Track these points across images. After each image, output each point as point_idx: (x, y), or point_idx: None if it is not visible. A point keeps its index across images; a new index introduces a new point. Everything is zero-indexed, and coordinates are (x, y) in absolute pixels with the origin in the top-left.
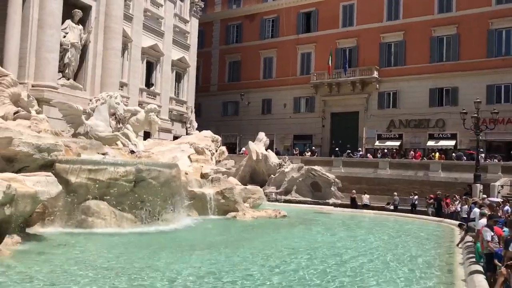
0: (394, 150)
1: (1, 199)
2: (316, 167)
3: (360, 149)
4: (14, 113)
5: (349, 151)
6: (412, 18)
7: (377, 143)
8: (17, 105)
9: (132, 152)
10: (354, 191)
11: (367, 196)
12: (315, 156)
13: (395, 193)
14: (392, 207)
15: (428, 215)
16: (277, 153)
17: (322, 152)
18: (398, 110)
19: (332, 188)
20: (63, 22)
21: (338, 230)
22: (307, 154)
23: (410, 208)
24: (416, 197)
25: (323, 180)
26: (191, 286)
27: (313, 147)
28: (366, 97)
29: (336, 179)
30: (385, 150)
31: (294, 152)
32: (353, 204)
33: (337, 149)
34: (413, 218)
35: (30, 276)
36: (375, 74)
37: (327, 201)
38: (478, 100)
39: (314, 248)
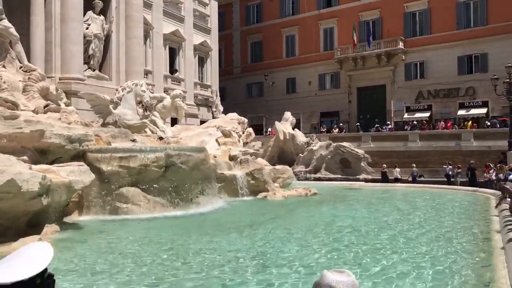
0: (424, 122)
1: (38, 190)
2: (344, 144)
3: (388, 122)
4: (44, 107)
5: (377, 125)
6: None
7: (406, 115)
8: (46, 99)
9: (160, 138)
10: (384, 165)
11: (398, 169)
12: (343, 133)
13: (413, 165)
14: (410, 179)
15: (457, 184)
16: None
17: (350, 128)
18: (426, 81)
19: (362, 164)
20: (84, 14)
21: (373, 205)
22: (334, 131)
23: (445, 179)
24: (449, 167)
25: (353, 156)
26: (246, 263)
27: (341, 124)
28: (392, 69)
29: (365, 154)
30: (415, 122)
31: (322, 129)
32: (384, 179)
33: (357, 124)
34: (446, 189)
35: (72, 264)
36: (401, 45)
37: (357, 177)
38: (510, 64)
39: (359, 222)
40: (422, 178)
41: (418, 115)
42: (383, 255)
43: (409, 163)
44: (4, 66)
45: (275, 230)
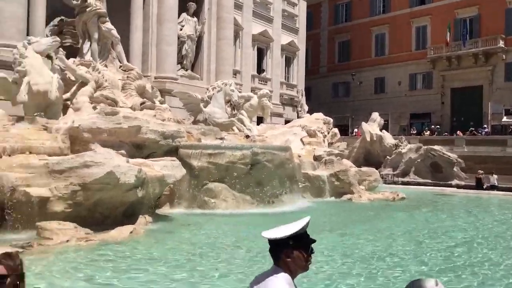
0: None
1: (134, 182)
2: (436, 147)
3: (485, 126)
4: (141, 104)
5: (472, 128)
6: None
7: (504, 118)
8: (143, 97)
9: (247, 136)
10: (480, 171)
11: (495, 176)
12: (434, 135)
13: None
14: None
15: None
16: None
17: (442, 130)
18: None
19: (455, 169)
20: (179, 16)
21: (465, 213)
22: (425, 133)
23: None
24: None
25: (444, 160)
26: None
27: (432, 126)
28: (490, 70)
29: (458, 159)
30: None
31: (411, 131)
32: (479, 186)
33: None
34: None
35: (163, 252)
36: (501, 43)
37: (449, 182)
38: None
39: (453, 232)
40: None
41: None
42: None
43: (507, 170)
44: (106, 66)
45: (360, 235)
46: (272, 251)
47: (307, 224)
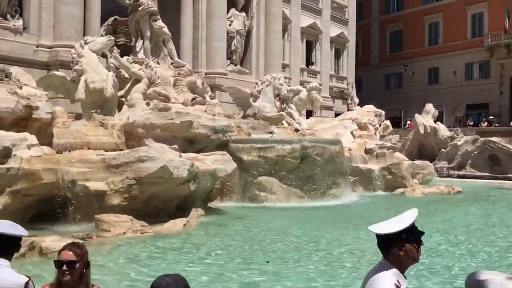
0: None
1: (187, 176)
2: (494, 139)
3: None
4: (192, 100)
5: None
6: None
7: None
8: (194, 92)
9: (296, 130)
10: None
11: None
12: (492, 126)
13: None
14: None
15: None
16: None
17: (501, 121)
18: None
19: None
20: (228, 11)
21: None
22: (483, 124)
23: None
24: None
25: (504, 153)
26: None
27: (490, 117)
28: None
29: None
30: None
31: (468, 123)
32: None
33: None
34: None
35: (216, 244)
36: None
37: (509, 175)
38: None
39: None
40: None
41: None
42: None
43: None
44: (158, 63)
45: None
46: (382, 245)
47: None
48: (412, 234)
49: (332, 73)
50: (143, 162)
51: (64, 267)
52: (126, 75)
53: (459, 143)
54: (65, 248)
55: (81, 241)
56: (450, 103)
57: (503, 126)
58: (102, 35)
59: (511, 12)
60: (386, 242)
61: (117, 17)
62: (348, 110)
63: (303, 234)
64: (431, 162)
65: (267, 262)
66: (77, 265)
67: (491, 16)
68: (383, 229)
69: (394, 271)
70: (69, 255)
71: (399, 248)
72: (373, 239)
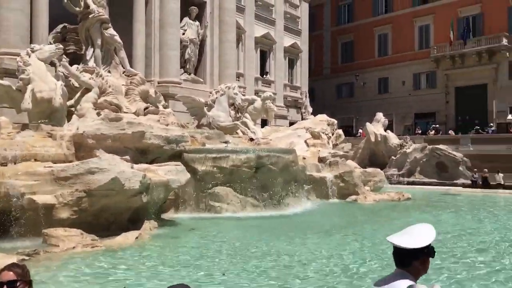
0: None
1: (139, 188)
2: (441, 146)
3: (491, 124)
4: (144, 109)
5: (478, 127)
6: None
7: (509, 116)
8: (146, 102)
9: (251, 139)
10: (485, 170)
11: (501, 175)
12: (439, 135)
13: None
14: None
15: None
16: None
17: (447, 130)
18: None
19: (460, 168)
20: (181, 20)
21: (475, 213)
22: (430, 133)
23: None
24: None
25: (450, 160)
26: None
27: (437, 125)
28: (494, 68)
29: (464, 158)
30: None
31: (416, 131)
32: (485, 184)
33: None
34: None
35: (169, 257)
36: (504, 41)
37: (455, 181)
38: None
39: (462, 232)
40: None
41: None
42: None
43: None
44: (109, 71)
45: (367, 237)
46: (403, 258)
47: None
48: (431, 249)
49: (286, 83)
50: (93, 174)
51: None
52: (76, 84)
53: (408, 150)
54: (4, 269)
55: (27, 258)
56: (399, 112)
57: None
58: (50, 43)
59: (455, 25)
60: (409, 255)
61: (66, 24)
62: (302, 119)
63: (259, 244)
64: (382, 169)
65: (223, 274)
66: (19, 284)
67: (437, 29)
68: (408, 243)
69: (411, 280)
70: (9, 275)
71: (421, 262)
72: (326, 246)
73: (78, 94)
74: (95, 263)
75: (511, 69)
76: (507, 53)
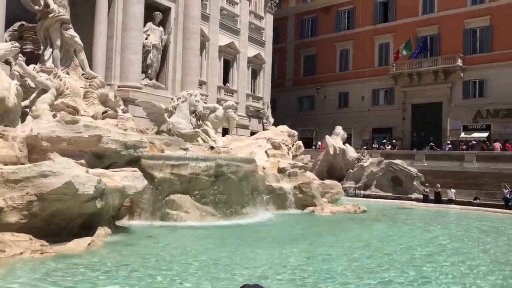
0: (482, 142)
1: (93, 193)
2: (397, 161)
3: (449, 142)
4: (103, 113)
5: (432, 143)
6: (500, 0)
7: (462, 134)
8: (105, 105)
9: (211, 148)
10: (438, 185)
11: (453, 190)
12: (395, 150)
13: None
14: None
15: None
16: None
17: (403, 145)
18: (485, 100)
19: (415, 183)
20: (144, 25)
21: (425, 226)
22: (387, 147)
23: (503, 203)
24: (508, 190)
25: (405, 174)
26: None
27: (393, 140)
28: (449, 87)
29: (418, 173)
30: (473, 142)
31: (373, 145)
32: (438, 199)
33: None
34: (504, 214)
35: (122, 265)
36: (459, 62)
37: (409, 196)
38: None
39: (410, 244)
40: (477, 201)
41: (475, 134)
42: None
43: (465, 184)
44: (67, 73)
45: (319, 247)
46: None
47: None
48: None
49: (249, 93)
50: (46, 177)
51: None
52: (32, 85)
53: (365, 164)
54: None
55: None
56: (358, 126)
57: (405, 149)
58: (6, 41)
59: (413, 44)
60: None
61: (24, 22)
62: (264, 129)
63: (215, 254)
64: (339, 182)
65: (181, 283)
66: None
67: (396, 46)
68: None
69: None
70: None
71: None
72: (282, 256)
73: (34, 95)
74: (43, 269)
75: (465, 89)
76: (461, 74)
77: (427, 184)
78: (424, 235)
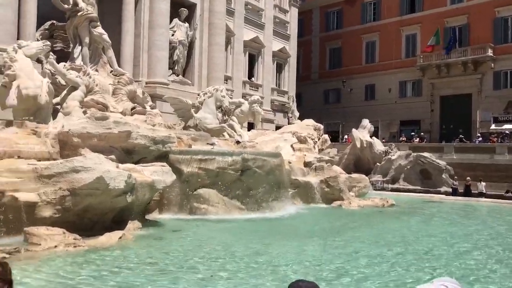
0: None
1: (123, 188)
2: (425, 154)
3: (479, 134)
4: (131, 109)
5: (462, 136)
6: None
7: (493, 126)
8: (134, 102)
9: (237, 142)
10: (468, 178)
11: (483, 183)
12: (423, 142)
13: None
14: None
15: None
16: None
17: (432, 138)
18: None
19: (444, 176)
20: (170, 21)
21: (454, 220)
22: (415, 140)
23: None
24: None
25: (434, 167)
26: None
27: (422, 133)
28: (479, 78)
29: (447, 166)
30: (506, 132)
31: (401, 138)
32: (468, 192)
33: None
34: None
35: (152, 258)
36: (489, 52)
37: (438, 189)
38: None
39: (443, 239)
40: (509, 194)
41: (506, 126)
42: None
43: (496, 177)
44: (96, 70)
45: (349, 242)
46: None
47: None
48: None
49: (274, 87)
50: (77, 172)
51: None
52: (63, 82)
53: (393, 157)
54: None
55: (7, 256)
56: (385, 119)
57: (433, 142)
58: (38, 40)
59: (441, 35)
60: None
61: (54, 21)
62: (289, 123)
63: (244, 247)
64: (367, 175)
65: (211, 276)
66: None
67: (424, 38)
68: None
69: None
70: None
71: None
72: (315, 250)
73: (65, 92)
74: (76, 262)
75: (496, 79)
76: (492, 64)
77: (456, 177)
78: (459, 229)
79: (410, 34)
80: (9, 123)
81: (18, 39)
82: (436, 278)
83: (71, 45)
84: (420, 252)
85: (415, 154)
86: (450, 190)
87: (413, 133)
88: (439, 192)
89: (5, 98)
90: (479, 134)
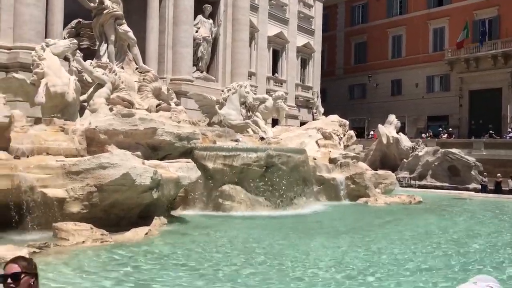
0: None
1: (149, 184)
2: (453, 150)
3: (510, 129)
4: (157, 106)
5: (492, 131)
6: None
7: None
8: (159, 98)
9: (262, 138)
10: (499, 174)
11: None
12: (452, 138)
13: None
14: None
15: None
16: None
17: (460, 133)
18: None
19: (473, 172)
20: (195, 18)
21: (487, 218)
22: (443, 136)
23: None
24: None
25: (462, 164)
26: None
27: (450, 129)
28: (510, 72)
29: (476, 162)
30: None
31: (428, 134)
32: (498, 189)
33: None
34: None
35: (178, 254)
36: None
37: (467, 186)
38: None
39: (472, 238)
40: None
41: None
42: None
43: None
44: (122, 67)
45: (377, 240)
46: None
47: None
48: None
49: (298, 83)
50: (104, 169)
51: (9, 280)
52: (89, 79)
53: (420, 153)
54: (10, 261)
55: (37, 250)
56: (412, 115)
57: (462, 138)
58: (64, 38)
59: (470, 28)
60: None
61: (80, 20)
62: (313, 119)
63: (269, 244)
64: (393, 172)
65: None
66: (23, 277)
67: (452, 31)
68: None
69: None
70: (13, 267)
71: None
72: (339, 248)
73: (91, 89)
74: (104, 257)
75: None
76: None
77: (485, 173)
78: (492, 227)
79: (438, 28)
80: (37, 120)
81: (45, 37)
82: (476, 276)
83: (97, 43)
84: (456, 250)
85: (443, 150)
86: (479, 187)
87: (440, 129)
88: (468, 189)
89: (34, 96)
90: (510, 129)
